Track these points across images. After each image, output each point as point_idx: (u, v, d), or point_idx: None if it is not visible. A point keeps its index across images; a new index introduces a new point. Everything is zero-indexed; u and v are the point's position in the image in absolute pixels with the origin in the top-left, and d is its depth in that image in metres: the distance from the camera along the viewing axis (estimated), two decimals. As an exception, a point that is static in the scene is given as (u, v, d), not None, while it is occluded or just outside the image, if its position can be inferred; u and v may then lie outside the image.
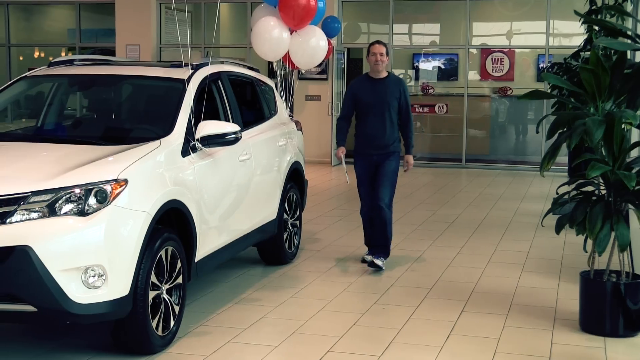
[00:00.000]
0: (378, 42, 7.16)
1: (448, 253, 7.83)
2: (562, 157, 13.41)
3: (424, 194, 11.92)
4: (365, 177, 7.18)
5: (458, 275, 7.00)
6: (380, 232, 7.06)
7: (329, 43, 11.41)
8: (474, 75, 17.56)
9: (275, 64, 8.99)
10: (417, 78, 19.30)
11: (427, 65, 19.46)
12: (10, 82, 6.28)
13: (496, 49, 17.07)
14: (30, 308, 4.31)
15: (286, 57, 8.20)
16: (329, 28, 13.56)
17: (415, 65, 19.51)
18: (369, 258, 7.12)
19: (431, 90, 17.18)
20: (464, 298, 6.25)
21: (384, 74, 7.20)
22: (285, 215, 7.17)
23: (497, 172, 14.75)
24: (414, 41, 18.77)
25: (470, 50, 17.05)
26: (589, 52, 10.10)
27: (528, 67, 17.88)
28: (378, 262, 7.00)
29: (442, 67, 19.17)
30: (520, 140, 16.82)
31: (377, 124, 7.08)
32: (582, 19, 6.66)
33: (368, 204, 7.16)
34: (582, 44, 12.05)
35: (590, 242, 5.43)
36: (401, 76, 19.28)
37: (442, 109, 16.43)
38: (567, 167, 13.73)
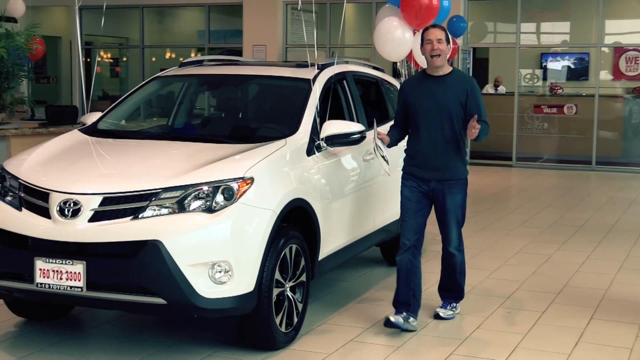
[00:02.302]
0: (433, 25, 5.51)
1: (576, 258, 7.58)
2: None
3: (551, 197, 11.60)
4: (412, 206, 5.41)
5: (587, 280, 6.76)
6: (451, 277, 5.68)
7: (454, 42, 11.29)
8: (605, 75, 16.95)
9: (399, 63, 8.95)
10: (545, 78, 18.84)
11: (556, 65, 18.98)
12: (143, 83, 6.50)
13: (630, 48, 16.40)
14: (160, 301, 4.44)
15: (411, 56, 8.15)
16: (455, 27, 13.42)
17: (543, 65, 19.05)
18: (396, 319, 5.31)
19: (560, 91, 16.70)
20: (594, 305, 6.03)
21: (446, 70, 5.41)
22: (408, 216, 7.10)
23: (630, 176, 14.18)
24: (542, 40, 18.31)
25: (602, 49, 16.47)
26: None
27: (666, 66, 17.13)
28: (445, 312, 5.63)
29: (572, 66, 18.65)
30: (657, 142, 16.12)
31: (433, 138, 5.35)
32: None
33: (410, 245, 5.40)
34: None
35: None
36: (528, 76, 18.85)
37: (571, 110, 15.94)
38: None
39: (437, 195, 5.42)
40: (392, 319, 5.30)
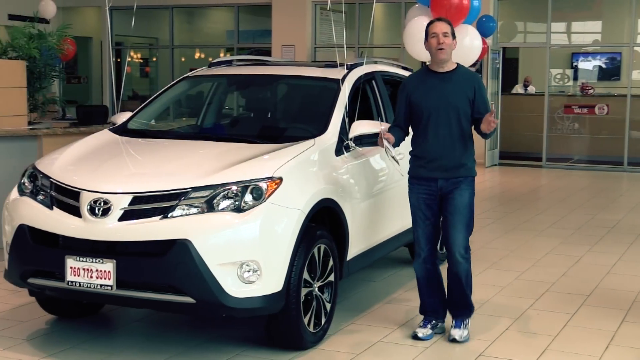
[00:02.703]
0: (439, 19, 5.25)
1: (607, 259, 7.50)
2: None
3: (582, 198, 11.49)
4: (420, 214, 5.18)
5: (618, 282, 6.69)
6: (456, 290, 5.22)
7: (484, 42, 11.21)
8: (638, 75, 16.78)
9: (428, 63, 8.91)
10: (575, 78, 18.69)
11: (587, 65, 18.82)
12: (172, 83, 6.53)
13: (663, 47, 16.25)
14: (189, 299, 4.46)
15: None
16: (484, 27, 13.35)
17: (574, 64, 18.90)
18: (424, 334, 5.21)
19: (591, 91, 16.54)
20: (625, 307, 5.96)
21: (451, 66, 5.17)
22: (437, 216, 7.06)
23: (662, 177, 14.02)
24: (573, 40, 18.18)
25: (635, 48, 16.30)
26: None
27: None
28: (458, 334, 5.16)
29: (603, 66, 18.49)
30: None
31: (442, 137, 5.07)
32: None
33: (425, 256, 5.21)
34: None
35: None
36: (559, 76, 18.71)
37: (602, 110, 15.80)
38: None
39: (445, 193, 5.11)
40: (420, 335, 5.20)
